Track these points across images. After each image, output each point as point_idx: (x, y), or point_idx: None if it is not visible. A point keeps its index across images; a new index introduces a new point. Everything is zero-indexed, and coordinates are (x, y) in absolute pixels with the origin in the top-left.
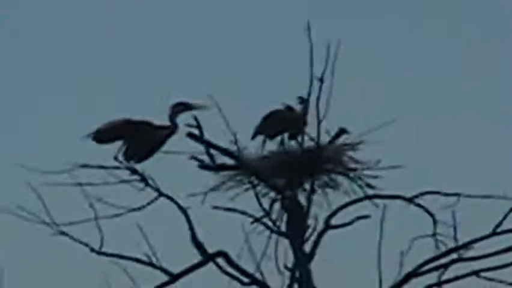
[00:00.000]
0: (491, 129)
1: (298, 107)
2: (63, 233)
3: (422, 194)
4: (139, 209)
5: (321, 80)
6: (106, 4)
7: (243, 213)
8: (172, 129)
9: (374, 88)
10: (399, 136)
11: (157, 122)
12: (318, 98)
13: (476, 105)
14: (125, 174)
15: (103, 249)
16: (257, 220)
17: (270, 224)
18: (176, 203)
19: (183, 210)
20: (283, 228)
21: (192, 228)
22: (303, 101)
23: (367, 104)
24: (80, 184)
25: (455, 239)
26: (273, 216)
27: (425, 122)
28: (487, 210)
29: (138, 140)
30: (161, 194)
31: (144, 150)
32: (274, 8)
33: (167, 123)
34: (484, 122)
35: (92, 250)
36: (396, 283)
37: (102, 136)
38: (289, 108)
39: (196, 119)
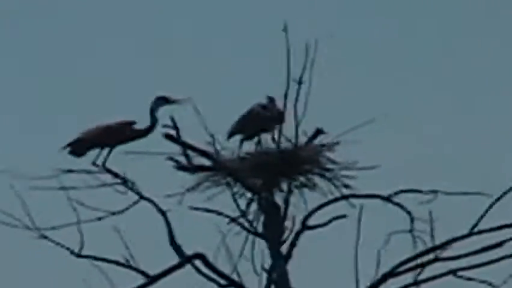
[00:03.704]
0: (467, 126)
1: (272, 105)
2: (44, 237)
3: (398, 192)
4: (120, 212)
5: (300, 82)
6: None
7: (220, 213)
8: (151, 127)
9: (351, 89)
10: (376, 136)
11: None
12: (296, 99)
13: (454, 103)
14: (107, 178)
15: (83, 253)
16: (233, 221)
17: (246, 224)
18: (156, 206)
19: (162, 213)
20: (260, 229)
21: (170, 231)
22: (272, 100)
23: (344, 105)
24: (62, 188)
25: (432, 236)
26: (250, 217)
27: (401, 122)
28: (464, 207)
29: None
30: (142, 197)
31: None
32: (252, 7)
33: (145, 126)
34: (460, 119)
35: (72, 253)
36: (373, 283)
37: (80, 148)
38: (264, 107)
39: (173, 119)
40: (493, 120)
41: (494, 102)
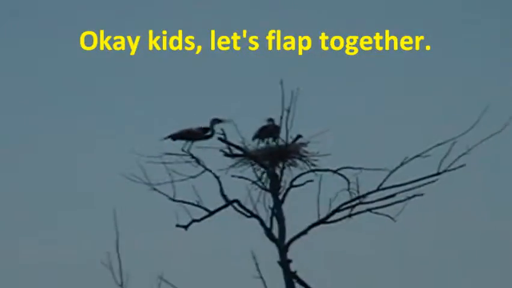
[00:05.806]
0: None
1: (274, 123)
2: (155, 189)
3: (341, 168)
4: (194, 177)
5: (288, 111)
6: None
7: (247, 179)
8: (211, 134)
9: (316, 112)
10: (331, 139)
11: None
12: (286, 119)
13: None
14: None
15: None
16: (254, 182)
17: (260, 184)
18: (214, 174)
19: (217, 178)
20: (268, 186)
21: (221, 187)
22: (270, 120)
23: (312, 121)
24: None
25: (358, 192)
26: (262, 181)
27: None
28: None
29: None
30: (206, 169)
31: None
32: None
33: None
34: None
35: (169, 198)
36: (327, 215)
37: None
38: (272, 123)
39: (222, 130)
40: None
41: None
